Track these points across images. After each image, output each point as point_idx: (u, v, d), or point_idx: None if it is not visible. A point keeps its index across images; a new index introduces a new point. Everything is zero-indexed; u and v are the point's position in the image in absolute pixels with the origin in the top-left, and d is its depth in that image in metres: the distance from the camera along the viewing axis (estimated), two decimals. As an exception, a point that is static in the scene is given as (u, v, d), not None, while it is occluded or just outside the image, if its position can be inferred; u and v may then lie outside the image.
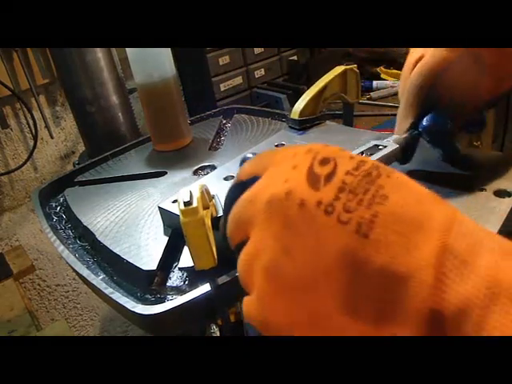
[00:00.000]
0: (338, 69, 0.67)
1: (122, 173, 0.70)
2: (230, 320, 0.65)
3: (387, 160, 0.44)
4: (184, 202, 0.37)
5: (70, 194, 0.66)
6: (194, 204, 0.37)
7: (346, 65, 0.68)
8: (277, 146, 0.62)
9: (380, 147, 0.45)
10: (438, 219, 0.23)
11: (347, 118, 0.72)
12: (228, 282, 0.41)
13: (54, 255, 1.30)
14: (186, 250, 0.48)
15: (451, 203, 0.43)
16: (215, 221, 0.44)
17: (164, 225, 0.52)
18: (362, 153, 0.45)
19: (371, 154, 0.44)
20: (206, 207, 0.40)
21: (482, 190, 0.45)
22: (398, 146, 0.45)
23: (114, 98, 0.93)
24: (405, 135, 0.47)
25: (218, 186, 0.53)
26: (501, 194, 0.44)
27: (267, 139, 0.64)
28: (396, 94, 1.32)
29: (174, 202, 0.50)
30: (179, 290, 0.45)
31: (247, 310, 0.28)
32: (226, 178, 0.55)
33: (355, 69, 0.68)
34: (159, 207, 0.51)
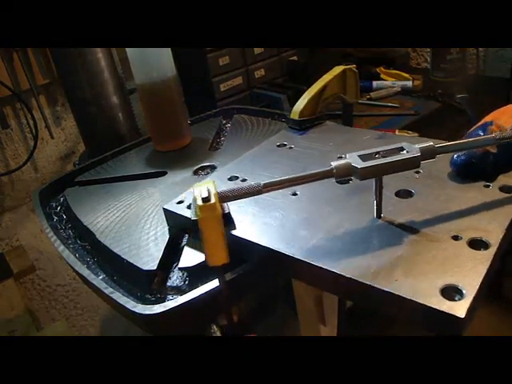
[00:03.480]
0: (337, 69, 0.67)
1: (122, 173, 0.70)
2: (234, 320, 0.65)
3: (403, 166, 0.39)
4: (202, 199, 0.37)
5: (70, 193, 0.66)
6: (212, 200, 0.37)
7: (346, 65, 0.68)
8: (278, 146, 0.62)
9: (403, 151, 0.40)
10: None
11: (347, 118, 0.72)
12: (230, 281, 0.41)
13: (54, 255, 1.30)
14: (186, 250, 0.48)
15: (456, 199, 0.42)
16: (225, 217, 0.44)
17: (168, 226, 0.52)
18: (377, 152, 0.40)
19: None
20: None
21: (487, 186, 0.44)
22: (419, 154, 0.39)
23: (114, 98, 0.93)
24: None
25: (222, 186, 0.53)
26: (507, 190, 0.43)
27: (267, 139, 0.64)
28: (395, 94, 1.32)
29: (179, 203, 0.50)
30: (179, 290, 0.45)
31: None
32: (230, 179, 0.55)
33: (354, 69, 0.68)
34: (164, 208, 0.51)
